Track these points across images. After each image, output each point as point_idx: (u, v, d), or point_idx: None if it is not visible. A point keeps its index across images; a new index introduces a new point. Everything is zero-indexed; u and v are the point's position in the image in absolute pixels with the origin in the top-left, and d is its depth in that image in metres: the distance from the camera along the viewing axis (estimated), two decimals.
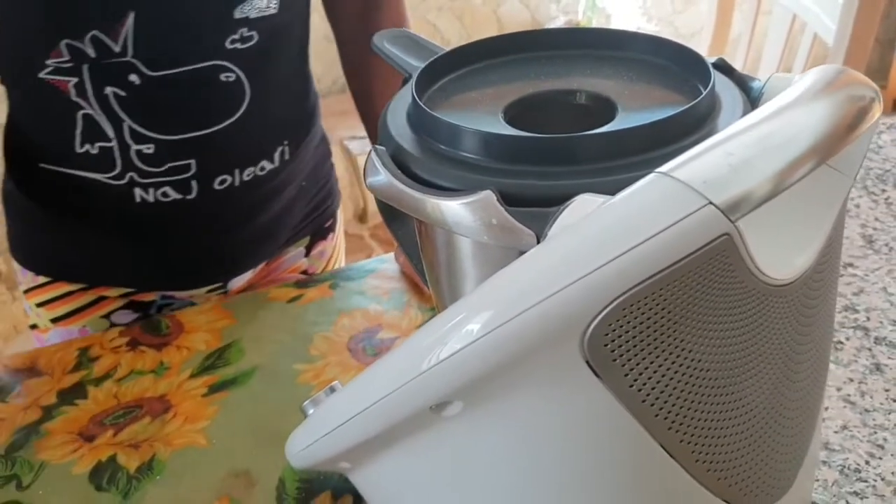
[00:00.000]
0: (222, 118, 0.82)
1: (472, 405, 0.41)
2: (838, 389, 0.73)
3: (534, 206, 0.40)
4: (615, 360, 0.37)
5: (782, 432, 0.46)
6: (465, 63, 0.54)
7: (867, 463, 0.66)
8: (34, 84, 0.77)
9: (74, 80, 0.76)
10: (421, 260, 0.55)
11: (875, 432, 0.68)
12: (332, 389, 0.60)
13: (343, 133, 2.75)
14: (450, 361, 0.39)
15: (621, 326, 0.36)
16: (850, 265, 0.89)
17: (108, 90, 0.77)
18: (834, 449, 0.67)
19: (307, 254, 1.07)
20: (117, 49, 0.75)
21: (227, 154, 0.85)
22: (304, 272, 1.07)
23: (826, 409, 0.70)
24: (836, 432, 0.69)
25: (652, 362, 0.38)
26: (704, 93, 0.44)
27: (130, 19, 0.74)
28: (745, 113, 0.45)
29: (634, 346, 0.37)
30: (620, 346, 0.37)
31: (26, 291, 0.98)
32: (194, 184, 0.85)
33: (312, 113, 0.99)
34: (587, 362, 0.37)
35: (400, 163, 0.45)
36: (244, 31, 0.78)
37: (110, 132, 0.80)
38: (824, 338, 0.48)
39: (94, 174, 0.83)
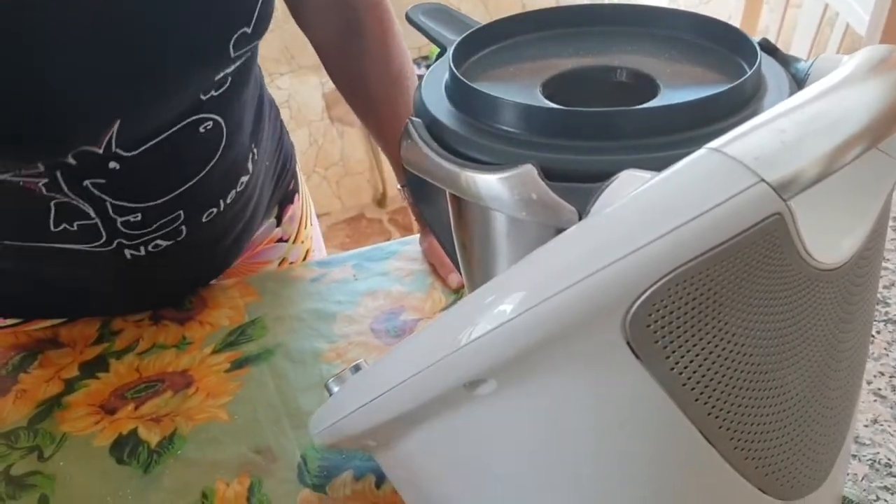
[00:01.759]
0: (205, 164, 0.78)
1: (506, 384, 0.40)
2: (868, 383, 0.72)
3: (576, 182, 0.39)
4: (657, 341, 0.36)
5: (821, 422, 0.45)
6: (503, 37, 0.53)
7: None
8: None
9: (44, 180, 0.68)
10: (451, 239, 0.54)
11: None
12: (358, 368, 0.59)
13: None
14: (486, 338, 0.38)
15: (665, 307, 0.35)
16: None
17: (87, 182, 0.70)
18: (864, 443, 0.66)
19: (279, 223, 1.02)
20: (100, 152, 0.68)
21: (210, 192, 0.81)
22: (280, 240, 1.03)
23: None
24: (866, 426, 0.67)
25: (695, 345, 0.37)
26: (751, 70, 0.43)
27: (116, 125, 0.67)
28: (791, 94, 0.44)
29: (678, 327, 0.36)
30: (663, 326, 0.36)
31: None
32: (184, 227, 0.81)
33: (263, 104, 0.93)
34: (628, 343, 0.36)
35: (436, 136, 0.44)
36: (220, 82, 0.73)
37: (91, 212, 0.73)
38: (866, 326, 0.47)
39: (75, 245, 0.76)
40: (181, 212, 0.78)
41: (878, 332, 0.77)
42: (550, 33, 0.53)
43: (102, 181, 0.70)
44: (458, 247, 0.52)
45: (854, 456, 0.65)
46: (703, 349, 0.37)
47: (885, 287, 0.83)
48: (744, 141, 0.35)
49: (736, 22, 2.24)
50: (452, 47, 0.49)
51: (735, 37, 0.48)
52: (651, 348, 0.37)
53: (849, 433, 0.50)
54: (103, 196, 0.72)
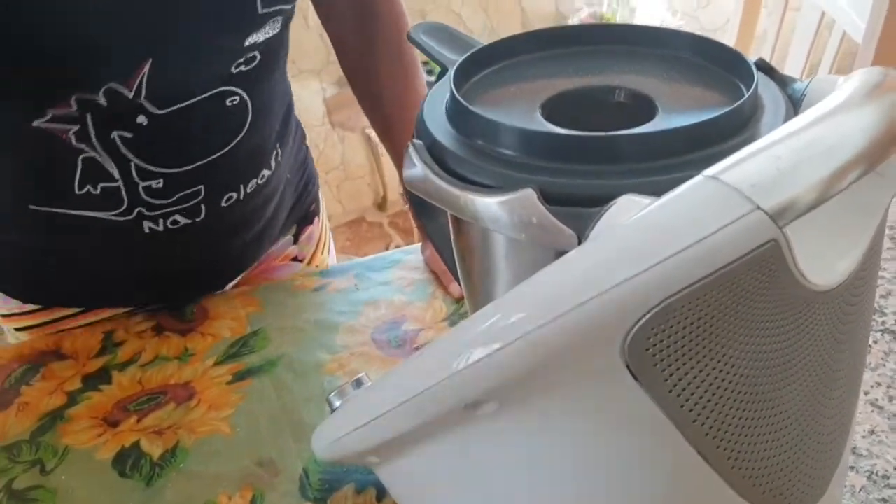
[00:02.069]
0: (228, 141, 0.80)
1: (507, 405, 0.41)
2: (866, 393, 0.72)
3: (575, 206, 0.39)
4: (656, 364, 0.37)
5: (818, 439, 0.45)
6: (503, 57, 0.53)
7: (895, 469, 0.65)
8: (24, 132, 0.70)
9: (75, 127, 0.71)
10: (452, 254, 0.54)
11: None
12: (359, 382, 0.60)
13: (365, 122, 2.74)
14: (487, 361, 0.39)
15: (664, 331, 0.36)
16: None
17: (115, 134, 0.73)
18: (861, 454, 0.66)
19: (295, 241, 1.05)
20: (130, 96, 0.70)
21: (232, 173, 0.84)
22: (294, 258, 1.06)
23: None
24: (863, 437, 0.68)
25: (692, 367, 0.37)
26: (748, 94, 0.43)
27: (147, 66, 0.69)
28: (787, 115, 0.45)
29: (676, 350, 0.37)
30: (662, 350, 0.37)
31: (5, 315, 0.94)
32: (203, 206, 0.83)
33: (291, 108, 0.97)
34: (627, 366, 0.37)
35: (437, 157, 0.45)
36: (249, 55, 0.76)
37: (115, 173, 0.76)
38: (861, 344, 0.47)
39: (96, 213, 0.79)
40: (202, 187, 0.81)
41: (875, 342, 0.78)
42: (551, 53, 0.54)
43: (130, 135, 0.73)
44: (459, 263, 0.53)
45: (852, 468, 0.65)
46: (700, 371, 0.38)
47: (881, 297, 0.83)
48: (740, 168, 0.35)
49: (734, 25, 2.25)
50: (454, 69, 0.50)
51: (732, 57, 0.49)
52: (650, 371, 0.37)
53: (846, 448, 0.50)
54: (129, 155, 0.74)
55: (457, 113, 0.46)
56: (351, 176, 2.94)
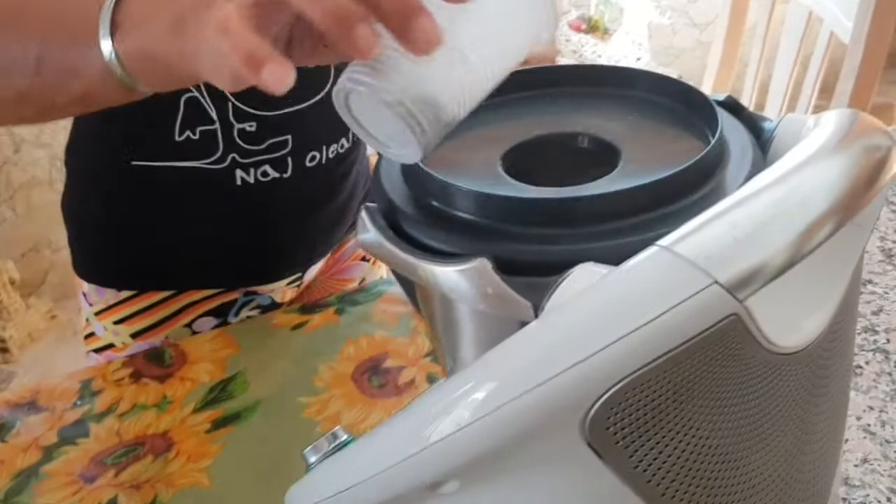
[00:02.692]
0: (314, 93, 0.85)
1: (469, 484, 0.39)
2: (858, 419, 0.70)
3: (531, 274, 0.38)
4: (618, 442, 0.35)
5: (797, 496, 0.44)
6: None
7: (889, 500, 0.63)
8: None
9: None
10: (421, 309, 0.53)
11: None
12: (335, 436, 0.58)
13: None
14: (445, 443, 0.37)
15: (624, 409, 0.34)
16: (870, 282, 0.86)
17: None
18: (854, 484, 0.65)
19: None
20: None
21: (317, 130, 0.88)
22: (363, 258, 1.11)
23: (845, 440, 0.68)
24: (855, 466, 0.66)
25: (658, 442, 0.36)
26: (711, 143, 0.41)
27: None
28: (755, 161, 0.43)
29: (638, 427, 0.35)
30: (623, 428, 0.35)
31: (99, 312, 0.97)
32: (290, 160, 0.87)
33: None
34: (589, 445, 0.35)
35: (392, 221, 0.43)
36: None
37: (213, 114, 0.81)
38: (841, 393, 0.46)
39: (193, 162, 0.84)
40: (289, 137, 0.85)
41: (867, 363, 0.76)
42: (512, 97, 0.52)
43: None
44: (425, 318, 0.51)
45: (844, 499, 0.64)
46: (666, 446, 0.36)
47: (872, 313, 0.82)
48: (695, 238, 0.34)
49: (724, 19, 2.22)
50: None
51: (697, 99, 0.47)
52: (613, 449, 0.36)
53: (831, 493, 0.48)
54: (228, 94, 0.79)
55: (411, 173, 0.45)
56: None
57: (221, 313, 0.99)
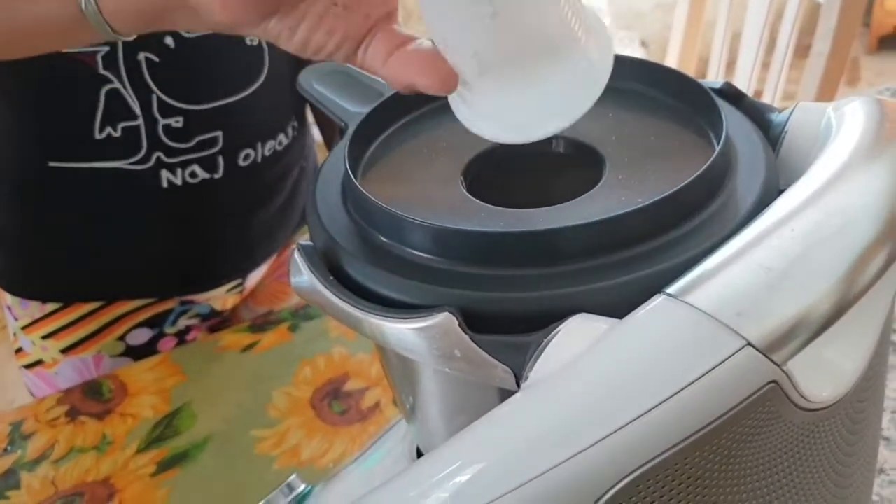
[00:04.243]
0: (246, 85, 0.81)
1: None
2: None
3: (508, 331, 0.30)
4: None
5: None
6: (415, 106, 0.44)
7: None
8: (53, 63, 0.69)
9: (105, 49, 0.72)
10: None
11: None
12: (290, 487, 0.52)
13: None
14: None
15: (643, 497, 0.27)
16: None
17: (141, 56, 0.74)
18: (872, 499, 0.58)
19: None
20: None
21: (250, 126, 0.83)
22: None
23: None
24: None
25: None
26: (717, 151, 0.34)
27: None
28: (768, 164, 0.35)
29: None
30: None
31: (26, 327, 0.90)
32: (221, 160, 0.81)
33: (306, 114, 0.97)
34: None
35: (333, 264, 0.35)
36: None
37: (136, 108, 0.76)
38: (874, 437, 0.39)
39: (115, 162, 0.78)
40: (220, 133, 0.80)
41: None
42: None
43: (156, 59, 0.74)
44: (384, 367, 0.44)
45: None
46: None
47: None
48: (716, 286, 0.26)
49: None
50: (349, 133, 0.40)
51: (692, 90, 0.40)
52: None
53: None
54: (152, 85, 0.75)
55: (354, 200, 0.37)
56: None
57: (157, 324, 0.92)
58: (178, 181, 0.80)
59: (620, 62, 0.42)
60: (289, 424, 0.71)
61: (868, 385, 0.34)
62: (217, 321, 0.97)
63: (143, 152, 0.78)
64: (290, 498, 0.51)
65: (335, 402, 0.72)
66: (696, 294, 0.26)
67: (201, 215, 0.86)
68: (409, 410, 0.41)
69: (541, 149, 0.41)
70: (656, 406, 0.25)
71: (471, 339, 0.30)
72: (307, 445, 0.68)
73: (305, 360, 0.77)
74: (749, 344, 0.25)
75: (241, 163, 0.83)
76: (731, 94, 0.41)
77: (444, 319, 0.30)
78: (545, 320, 0.30)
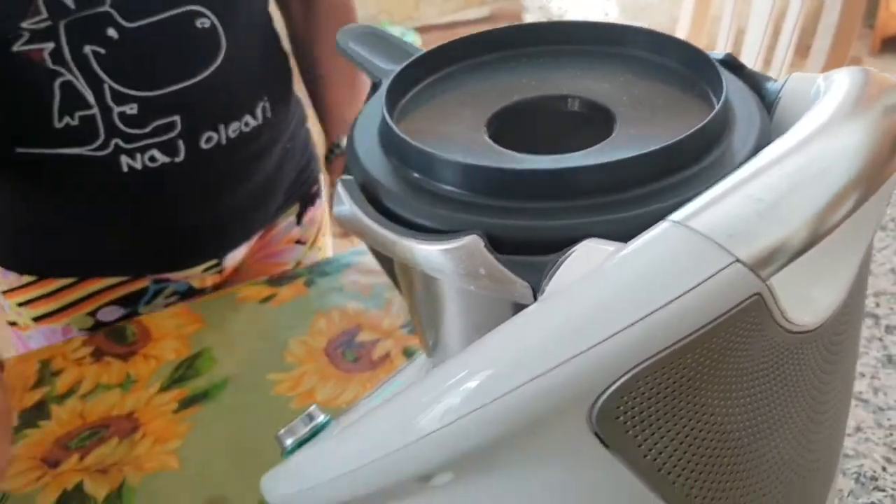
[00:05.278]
0: (201, 68, 0.80)
1: (463, 476, 0.37)
2: None
3: (527, 252, 0.35)
4: (627, 431, 0.33)
5: (807, 475, 0.41)
6: (445, 65, 0.48)
7: (884, 469, 0.62)
8: (5, 63, 0.73)
9: (51, 45, 0.73)
10: (398, 280, 0.50)
11: (891, 434, 0.64)
12: (311, 417, 0.55)
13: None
14: (438, 434, 0.34)
15: (634, 398, 0.32)
16: None
17: (87, 49, 0.74)
18: (848, 454, 0.63)
19: (298, 222, 1.04)
20: None
21: (210, 108, 0.83)
22: (298, 241, 1.04)
23: None
24: (849, 435, 0.64)
25: (668, 431, 0.33)
26: (717, 108, 0.38)
27: None
28: (762, 125, 0.40)
29: (649, 416, 0.32)
30: (633, 417, 0.32)
31: (6, 291, 0.94)
32: (181, 143, 0.81)
33: (286, 72, 0.98)
34: (596, 435, 0.33)
35: (370, 194, 0.40)
36: None
37: (90, 97, 0.76)
38: (850, 370, 0.43)
39: (75, 149, 0.79)
40: (177, 118, 0.80)
41: None
42: (497, 56, 0.49)
43: (102, 51, 0.75)
44: (405, 297, 0.48)
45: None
46: (678, 434, 0.33)
47: None
48: (714, 212, 0.31)
49: None
50: (387, 83, 0.44)
51: (697, 58, 0.44)
52: (622, 439, 0.33)
53: (835, 472, 0.46)
54: (102, 75, 0.76)
55: (390, 141, 0.41)
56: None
57: (130, 302, 0.95)
58: (139, 166, 0.81)
59: (633, 31, 0.47)
60: (304, 370, 0.75)
61: (845, 319, 0.39)
62: (242, 286, 0.97)
63: (100, 139, 0.79)
64: (310, 427, 0.55)
65: (348, 351, 0.77)
66: (695, 220, 0.31)
67: (166, 198, 0.86)
68: (430, 341, 0.45)
69: (557, 107, 0.45)
70: (655, 311, 0.30)
71: (495, 258, 0.35)
72: (322, 389, 0.73)
73: (320, 312, 0.81)
74: (738, 260, 0.29)
75: (204, 146, 0.83)
76: (732, 65, 0.45)
77: (472, 241, 0.35)
78: (561, 245, 0.34)
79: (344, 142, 0.79)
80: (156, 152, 0.81)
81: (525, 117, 0.45)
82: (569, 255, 0.33)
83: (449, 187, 0.38)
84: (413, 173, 0.39)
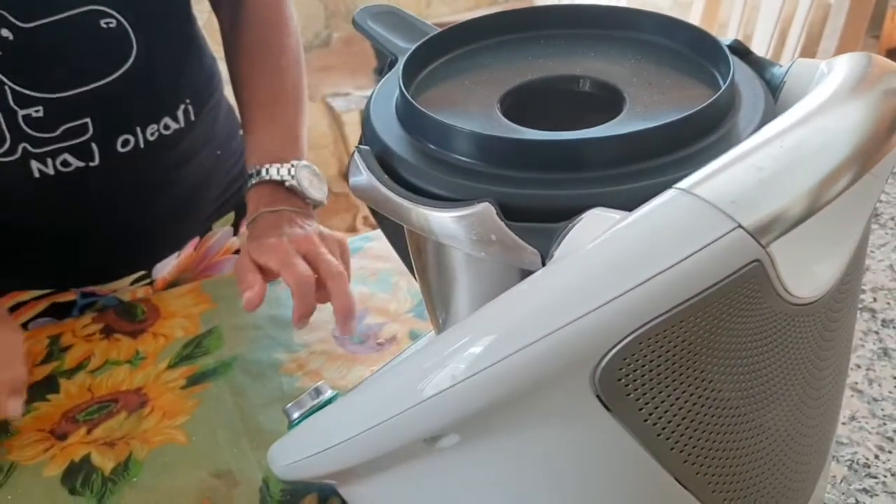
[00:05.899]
0: (111, 69, 0.76)
1: (469, 438, 0.38)
2: None
3: (538, 220, 0.36)
4: (629, 394, 0.34)
5: (802, 450, 0.43)
6: (459, 45, 0.49)
7: (876, 457, 0.63)
8: None
9: None
10: (407, 253, 0.51)
11: (884, 423, 0.65)
12: (318, 392, 0.57)
13: (326, 89, 2.69)
14: (445, 395, 0.35)
15: (636, 360, 0.33)
16: None
17: None
18: (842, 442, 0.64)
19: (235, 232, 1.00)
20: None
21: (125, 110, 0.79)
22: (237, 252, 1.00)
23: None
24: (843, 423, 0.66)
25: (668, 395, 0.34)
26: (723, 87, 0.39)
27: None
28: (766, 107, 0.41)
29: (650, 379, 0.34)
30: (635, 380, 0.33)
31: None
32: (94, 147, 0.77)
33: (212, 76, 0.92)
34: (598, 397, 0.34)
35: (386, 164, 0.41)
36: None
37: None
38: (845, 347, 0.44)
39: None
40: (88, 120, 0.76)
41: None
42: (511, 37, 0.50)
43: None
44: (417, 271, 0.49)
45: (833, 457, 0.63)
46: (678, 399, 0.35)
47: None
48: (718, 181, 0.32)
49: None
50: (402, 62, 0.46)
51: (705, 41, 0.45)
52: (623, 401, 0.34)
53: (829, 451, 0.48)
54: (2, 77, 0.71)
55: (406, 113, 0.42)
56: (314, 145, 2.87)
57: (59, 315, 0.90)
58: (51, 171, 0.77)
59: (645, 16, 0.48)
60: (311, 350, 0.76)
61: (842, 297, 0.40)
62: (209, 277, 0.95)
63: (7, 144, 0.74)
64: (317, 401, 0.57)
65: (355, 334, 0.78)
66: (699, 187, 0.32)
67: (83, 204, 0.82)
68: (441, 318, 0.47)
69: (569, 87, 0.47)
70: (658, 273, 0.31)
71: (506, 224, 0.36)
72: (328, 369, 0.74)
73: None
74: (740, 226, 0.31)
75: (121, 149, 0.79)
76: (739, 50, 0.46)
77: (484, 208, 0.36)
78: (569, 214, 0.35)
79: (260, 171, 0.77)
80: (68, 156, 0.77)
81: (537, 96, 0.46)
82: (577, 223, 0.35)
83: (463, 158, 0.39)
84: (428, 144, 0.41)
